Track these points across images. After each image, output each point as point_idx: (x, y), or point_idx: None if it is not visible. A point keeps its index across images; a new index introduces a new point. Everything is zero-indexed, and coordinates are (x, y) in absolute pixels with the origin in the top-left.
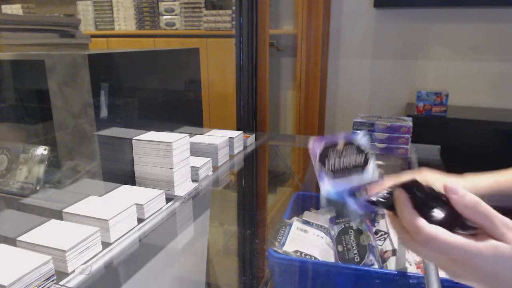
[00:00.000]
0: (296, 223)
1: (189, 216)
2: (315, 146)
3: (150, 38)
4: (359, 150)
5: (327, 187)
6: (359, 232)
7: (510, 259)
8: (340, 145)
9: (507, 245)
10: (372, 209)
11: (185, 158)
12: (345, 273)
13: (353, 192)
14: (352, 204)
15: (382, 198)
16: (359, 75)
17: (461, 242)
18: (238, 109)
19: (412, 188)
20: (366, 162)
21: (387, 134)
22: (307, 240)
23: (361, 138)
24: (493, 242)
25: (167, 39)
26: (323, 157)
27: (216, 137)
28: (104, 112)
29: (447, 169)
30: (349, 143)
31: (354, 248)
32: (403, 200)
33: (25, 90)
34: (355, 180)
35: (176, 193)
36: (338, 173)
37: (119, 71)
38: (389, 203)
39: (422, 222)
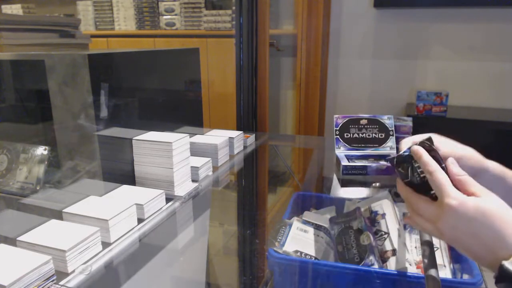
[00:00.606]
0: (296, 223)
1: (189, 216)
2: (337, 119)
3: (150, 38)
4: (382, 129)
5: (341, 154)
6: (359, 232)
7: (464, 215)
8: (363, 122)
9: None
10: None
11: (185, 158)
12: (345, 273)
13: (365, 159)
14: (361, 168)
15: (398, 156)
16: (359, 75)
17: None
18: (238, 109)
19: (424, 144)
20: (385, 140)
21: None
22: (307, 240)
23: (386, 119)
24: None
25: (167, 39)
26: (343, 129)
27: (216, 137)
28: (104, 112)
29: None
30: (373, 121)
31: (354, 248)
32: (419, 149)
33: (25, 90)
34: (368, 152)
35: (176, 193)
36: (354, 144)
37: (119, 71)
38: (404, 158)
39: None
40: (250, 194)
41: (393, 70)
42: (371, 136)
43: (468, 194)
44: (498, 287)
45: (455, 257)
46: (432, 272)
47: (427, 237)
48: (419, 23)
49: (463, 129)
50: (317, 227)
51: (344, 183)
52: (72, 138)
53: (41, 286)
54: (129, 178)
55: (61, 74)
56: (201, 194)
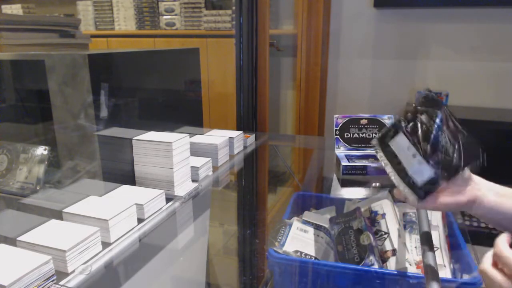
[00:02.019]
0: (296, 223)
1: (189, 216)
2: (337, 119)
3: (150, 38)
4: (382, 129)
5: (341, 154)
6: (359, 232)
7: None
8: (363, 121)
9: None
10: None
11: (185, 158)
12: (345, 273)
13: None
14: (361, 168)
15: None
16: (359, 75)
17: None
18: (238, 109)
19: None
20: None
21: None
22: (307, 240)
23: (386, 119)
24: None
25: (167, 39)
26: (343, 129)
27: (216, 137)
28: (104, 112)
29: None
30: (373, 121)
31: (354, 248)
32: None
33: (25, 90)
34: (369, 151)
35: (176, 193)
36: (354, 144)
37: (119, 71)
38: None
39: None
40: (250, 194)
41: (393, 70)
42: (371, 136)
43: None
44: None
45: (455, 257)
46: (430, 256)
47: (425, 228)
48: (419, 23)
49: None
50: (317, 227)
51: (344, 183)
52: (72, 138)
53: (41, 286)
54: (129, 178)
55: (61, 74)
56: (201, 194)
